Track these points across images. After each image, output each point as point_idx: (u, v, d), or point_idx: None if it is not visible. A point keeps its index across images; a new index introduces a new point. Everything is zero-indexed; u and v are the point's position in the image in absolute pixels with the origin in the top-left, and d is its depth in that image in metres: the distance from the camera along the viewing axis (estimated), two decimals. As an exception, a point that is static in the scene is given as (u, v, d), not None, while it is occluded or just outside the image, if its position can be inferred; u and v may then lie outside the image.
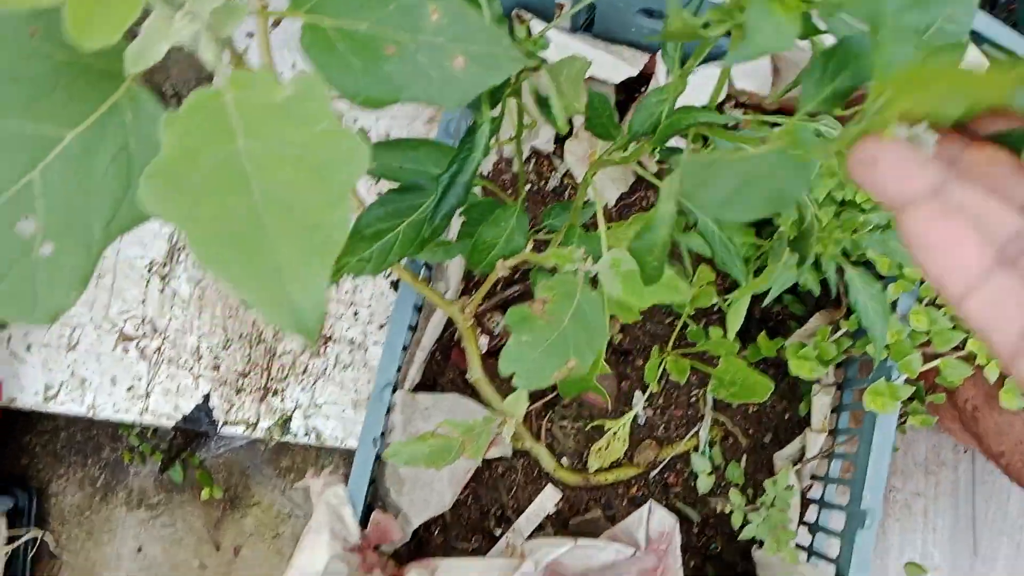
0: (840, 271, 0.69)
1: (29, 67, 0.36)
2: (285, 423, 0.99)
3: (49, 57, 0.37)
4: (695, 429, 0.88)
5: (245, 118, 0.34)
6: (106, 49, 0.39)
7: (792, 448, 0.85)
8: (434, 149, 0.63)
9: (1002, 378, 0.70)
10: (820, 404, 0.83)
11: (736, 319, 0.75)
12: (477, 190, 0.91)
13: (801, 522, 0.85)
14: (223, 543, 1.03)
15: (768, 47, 0.37)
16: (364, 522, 0.74)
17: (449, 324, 0.89)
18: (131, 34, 0.34)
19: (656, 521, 0.82)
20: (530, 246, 0.65)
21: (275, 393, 0.99)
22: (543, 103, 0.56)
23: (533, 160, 0.94)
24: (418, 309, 0.87)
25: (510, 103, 0.60)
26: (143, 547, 1.02)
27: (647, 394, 0.88)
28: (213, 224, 0.32)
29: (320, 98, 0.34)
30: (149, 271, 1.00)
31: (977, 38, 0.74)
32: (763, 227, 0.76)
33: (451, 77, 0.46)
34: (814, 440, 0.83)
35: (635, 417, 0.88)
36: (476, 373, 0.78)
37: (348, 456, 1.05)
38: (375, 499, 0.82)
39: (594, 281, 0.61)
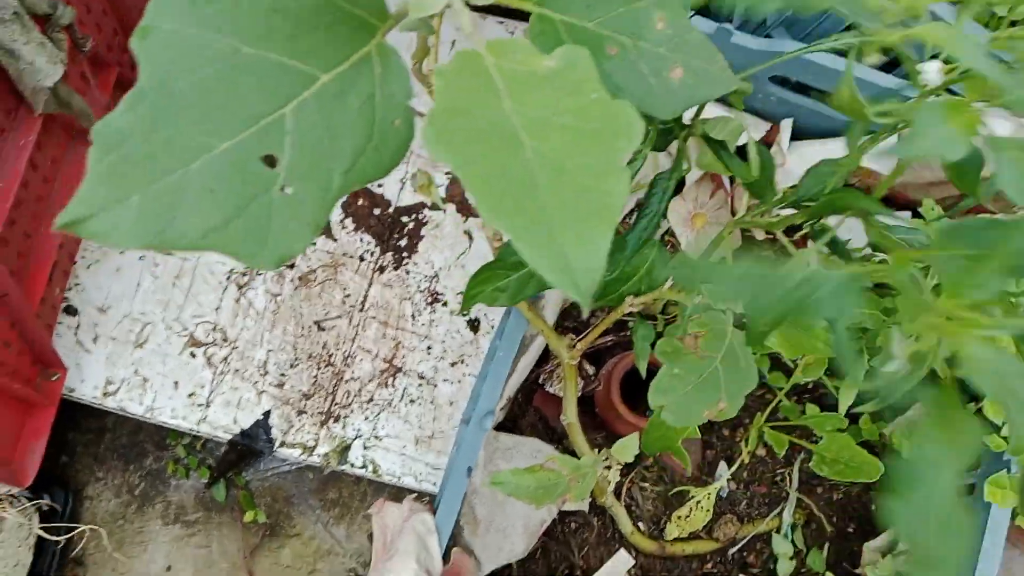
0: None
1: (296, 1, 0.36)
2: (343, 451, 0.95)
3: (319, -8, 0.36)
4: (778, 509, 0.85)
5: (508, 83, 0.33)
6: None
7: (882, 540, 0.82)
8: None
9: None
10: (915, 496, 0.80)
11: (850, 393, 0.73)
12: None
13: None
14: (256, 573, 0.98)
15: (930, 152, 0.34)
16: (444, 556, 0.70)
17: (537, 365, 0.87)
18: None
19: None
20: (668, 283, 0.63)
21: (337, 419, 0.96)
22: (719, 148, 0.55)
23: (634, 214, 0.93)
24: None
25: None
26: (172, 566, 0.97)
27: (734, 466, 0.84)
28: (489, 174, 0.31)
29: (588, 70, 0.33)
30: (228, 279, 0.97)
31: None
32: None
33: (668, 87, 0.45)
34: (907, 533, 0.79)
35: (718, 489, 0.85)
36: (572, 416, 0.75)
37: (397, 494, 1.01)
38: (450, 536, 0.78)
39: (741, 326, 0.59)
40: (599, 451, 0.78)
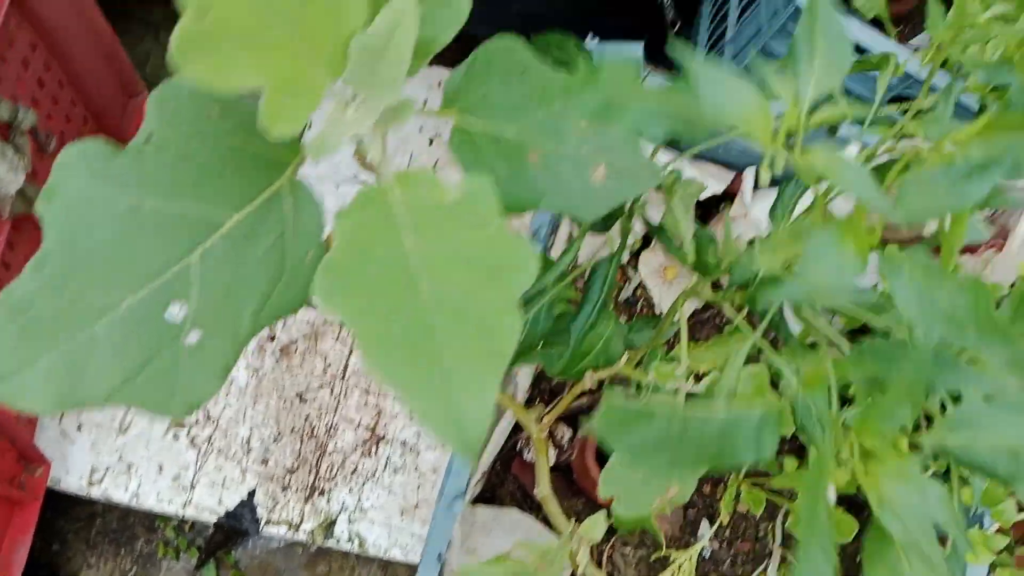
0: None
1: (202, 148, 0.36)
2: (329, 527, 0.95)
3: (221, 140, 0.37)
4: (763, 565, 0.84)
5: (411, 217, 0.34)
6: (276, 138, 0.39)
7: (869, 593, 0.81)
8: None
9: (1107, 535, 0.66)
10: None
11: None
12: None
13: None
14: (250, 650, 0.98)
15: (823, 285, 0.33)
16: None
17: (514, 432, 0.87)
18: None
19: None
20: (624, 358, 0.63)
21: (322, 493, 0.96)
22: (659, 232, 0.55)
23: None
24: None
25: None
26: (166, 649, 0.97)
27: (715, 525, 0.84)
28: (383, 326, 0.31)
29: (489, 201, 0.34)
30: (208, 358, 0.98)
31: None
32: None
33: (591, 188, 0.45)
34: (894, 586, 0.79)
35: (700, 550, 0.84)
36: (545, 489, 0.75)
37: (386, 567, 1.01)
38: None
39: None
40: (576, 520, 0.78)
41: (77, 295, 0.33)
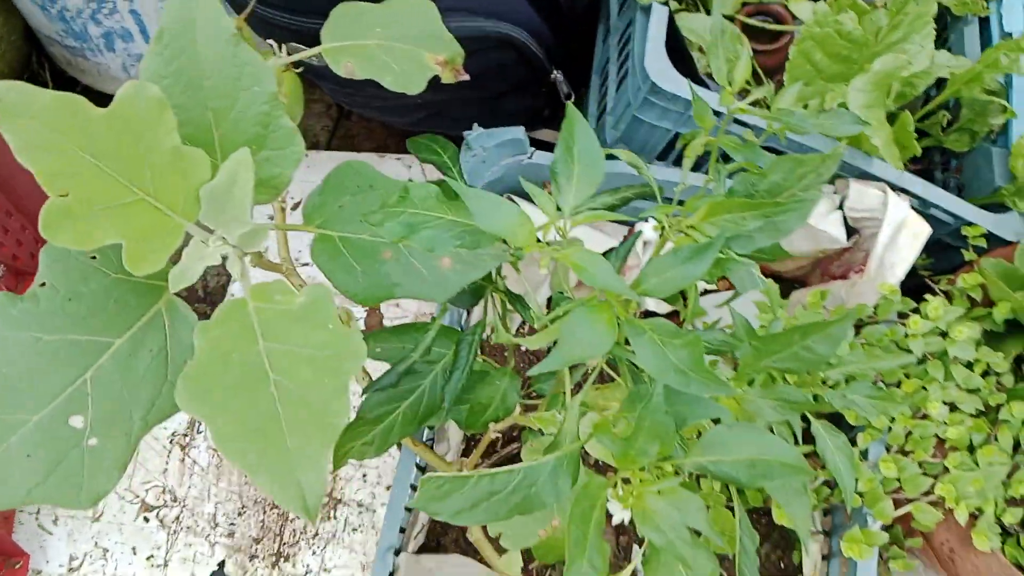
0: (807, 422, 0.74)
1: (88, 285, 0.44)
2: (297, 588, 1.02)
3: (106, 275, 0.45)
4: (693, 581, 0.91)
5: (265, 324, 0.42)
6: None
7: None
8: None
9: (973, 519, 0.74)
10: (811, 552, 0.86)
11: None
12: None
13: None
14: None
15: (581, 356, 0.40)
16: None
17: (452, 485, 0.94)
18: (175, 256, 0.42)
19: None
20: (518, 409, 0.71)
21: (287, 559, 1.03)
22: (515, 298, 0.63)
23: (525, 322, 1.01)
24: (421, 469, 0.92)
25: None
26: None
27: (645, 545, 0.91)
28: (237, 418, 0.39)
29: (329, 304, 0.42)
30: (171, 442, 1.06)
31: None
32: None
33: (440, 275, 0.53)
34: (808, 589, 0.85)
35: (634, 572, 0.91)
36: (476, 533, 0.82)
37: (358, 620, 1.07)
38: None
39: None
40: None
41: (-7, 418, 0.41)
